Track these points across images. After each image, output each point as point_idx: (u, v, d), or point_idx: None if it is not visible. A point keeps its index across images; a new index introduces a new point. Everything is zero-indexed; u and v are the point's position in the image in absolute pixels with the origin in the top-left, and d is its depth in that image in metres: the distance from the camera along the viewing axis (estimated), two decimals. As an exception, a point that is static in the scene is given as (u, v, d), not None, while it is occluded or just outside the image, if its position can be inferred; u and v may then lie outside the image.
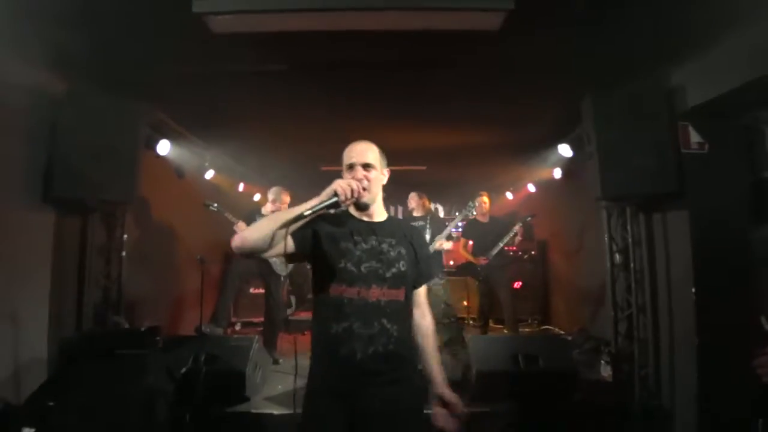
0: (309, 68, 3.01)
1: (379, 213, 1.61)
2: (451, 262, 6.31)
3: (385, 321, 1.46)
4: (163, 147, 3.82)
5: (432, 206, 5.46)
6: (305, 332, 4.32)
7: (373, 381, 1.44)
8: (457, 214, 5.35)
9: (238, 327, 5.72)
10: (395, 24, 2.30)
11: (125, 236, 3.65)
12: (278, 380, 3.13)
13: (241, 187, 5.98)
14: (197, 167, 4.77)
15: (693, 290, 2.69)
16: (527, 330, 5.75)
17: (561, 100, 3.36)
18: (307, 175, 5.70)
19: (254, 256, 1.48)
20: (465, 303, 5.81)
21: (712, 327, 2.56)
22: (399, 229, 1.62)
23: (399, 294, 1.52)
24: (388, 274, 1.50)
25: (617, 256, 3.48)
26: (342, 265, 1.48)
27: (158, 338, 3.09)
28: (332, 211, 1.52)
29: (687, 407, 2.77)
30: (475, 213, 4.85)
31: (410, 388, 1.52)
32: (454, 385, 1.59)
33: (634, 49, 2.59)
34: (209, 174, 4.98)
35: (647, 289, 3.24)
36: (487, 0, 2.10)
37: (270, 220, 1.44)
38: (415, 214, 4.68)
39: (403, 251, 1.56)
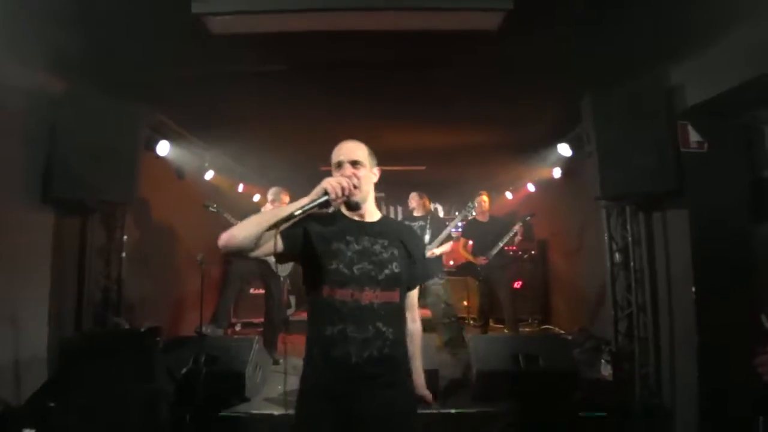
0: (308, 69, 3.01)
1: (371, 213, 1.58)
2: (451, 262, 6.32)
3: (380, 324, 1.44)
4: (163, 148, 3.82)
5: (432, 206, 5.46)
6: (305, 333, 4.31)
7: (368, 384, 1.42)
8: (456, 213, 5.35)
9: (238, 328, 5.72)
10: (395, 24, 2.30)
11: (125, 237, 3.65)
12: (278, 381, 3.13)
13: (240, 187, 5.99)
14: (197, 168, 4.77)
15: (693, 289, 2.69)
16: (527, 330, 5.76)
17: (560, 99, 3.36)
18: (306, 175, 5.66)
19: (242, 254, 1.42)
20: (465, 303, 5.82)
21: (712, 326, 2.56)
22: (392, 229, 1.59)
23: (393, 296, 1.49)
24: (381, 276, 1.47)
25: (617, 256, 3.48)
26: (334, 266, 1.45)
27: (158, 339, 3.09)
28: (330, 209, 1.51)
29: (688, 406, 2.77)
30: (474, 213, 4.85)
31: (404, 391, 1.51)
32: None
33: (633, 49, 2.59)
34: (209, 175, 4.98)
35: (647, 288, 3.24)
36: (486, 0, 2.10)
37: (258, 219, 1.40)
38: (416, 214, 4.68)
39: (397, 252, 1.53)
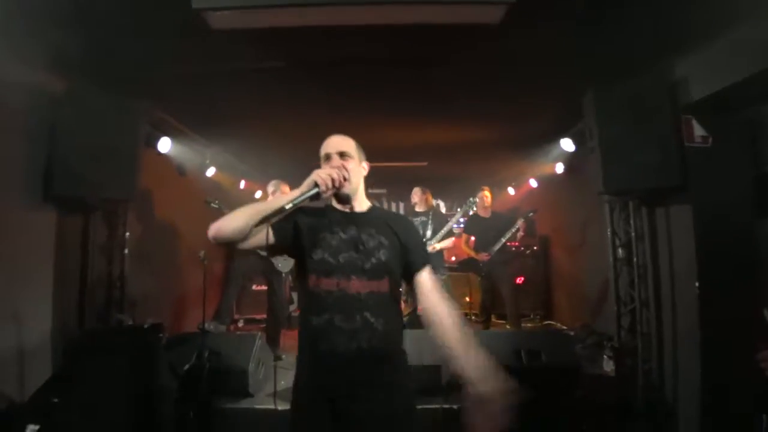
0: (309, 65, 3.00)
1: (361, 204, 1.58)
2: (453, 258, 6.32)
3: (367, 315, 1.41)
4: (164, 145, 3.82)
5: (434, 202, 5.45)
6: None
7: (357, 379, 1.39)
8: (458, 210, 5.33)
9: (240, 324, 5.76)
10: (396, 18, 2.28)
11: (127, 234, 3.66)
12: (281, 376, 3.14)
13: (242, 184, 5.98)
14: (198, 165, 4.77)
15: (696, 284, 2.68)
16: (529, 325, 5.76)
17: (563, 94, 3.34)
18: (307, 171, 5.65)
19: (232, 246, 1.43)
20: (467, 299, 5.82)
21: (715, 321, 2.55)
22: (381, 218, 1.57)
23: (380, 285, 1.46)
24: (367, 265, 1.45)
25: (620, 251, 3.46)
26: (319, 256, 1.45)
27: (161, 335, 3.10)
28: (325, 202, 1.51)
29: (690, 402, 2.76)
30: (475, 209, 4.84)
31: (399, 391, 1.45)
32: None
33: (635, 43, 2.57)
34: (210, 171, 4.98)
35: (650, 284, 3.23)
36: (488, -7, 2.09)
37: (248, 210, 1.40)
38: (418, 209, 4.68)
39: (385, 240, 1.50)
